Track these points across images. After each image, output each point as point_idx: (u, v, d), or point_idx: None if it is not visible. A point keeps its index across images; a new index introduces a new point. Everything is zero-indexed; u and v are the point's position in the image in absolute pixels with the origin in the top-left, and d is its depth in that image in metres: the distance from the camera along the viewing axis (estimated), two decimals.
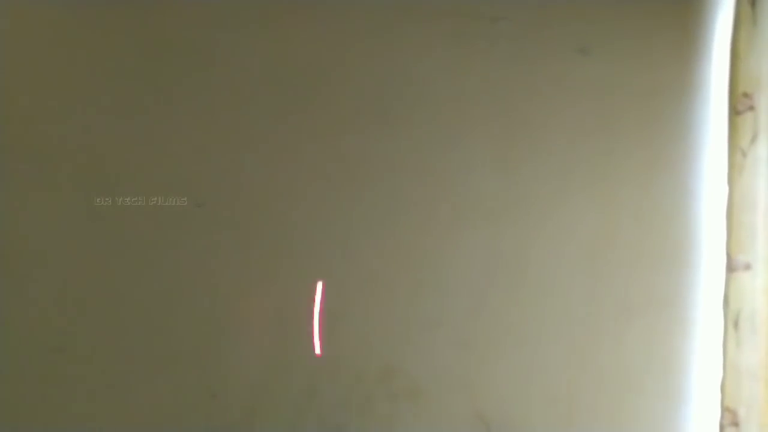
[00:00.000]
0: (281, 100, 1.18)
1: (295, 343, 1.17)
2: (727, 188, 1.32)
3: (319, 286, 1.13)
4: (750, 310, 1.26)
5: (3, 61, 1.05)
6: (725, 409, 1.30)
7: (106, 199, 1.10)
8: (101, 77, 1.09)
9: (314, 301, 1.13)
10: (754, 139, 1.28)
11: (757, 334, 1.25)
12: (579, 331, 1.29)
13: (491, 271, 1.26)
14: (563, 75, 1.29)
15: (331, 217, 1.20)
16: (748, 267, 1.27)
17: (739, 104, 1.31)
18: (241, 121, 1.16)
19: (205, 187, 1.15)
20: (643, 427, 1.31)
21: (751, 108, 1.29)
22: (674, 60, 1.34)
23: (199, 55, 1.14)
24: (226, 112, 1.15)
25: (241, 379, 1.16)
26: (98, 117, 1.10)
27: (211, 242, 1.15)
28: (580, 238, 1.29)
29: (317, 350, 1.14)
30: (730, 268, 1.30)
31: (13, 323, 1.08)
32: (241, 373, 1.16)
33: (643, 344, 1.31)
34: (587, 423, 1.23)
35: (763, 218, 1.27)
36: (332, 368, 1.19)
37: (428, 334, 1.23)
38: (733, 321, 1.29)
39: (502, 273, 1.26)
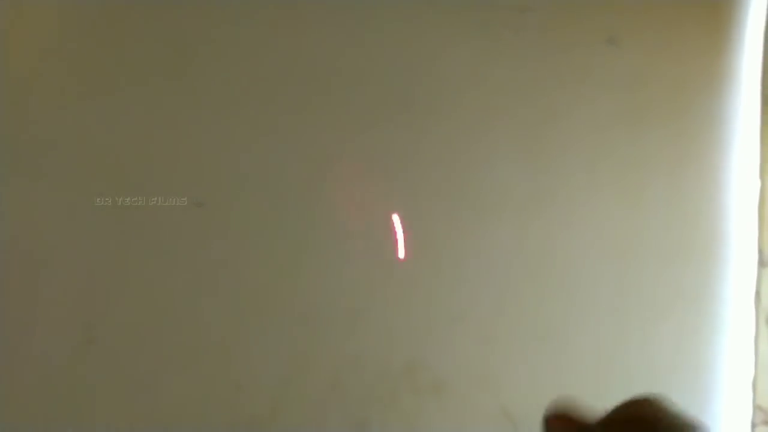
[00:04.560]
0: (296, 95, 1.17)
1: (319, 338, 1.17)
2: (759, 182, 1.29)
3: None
4: None
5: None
6: (757, 407, 1.28)
7: (128, 196, 1.10)
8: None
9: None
10: None
11: None
12: (606, 327, 1.27)
13: (516, 265, 1.24)
14: (591, 66, 1.27)
15: (353, 209, 1.19)
16: None
17: None
18: (258, 116, 1.16)
19: (230, 183, 1.15)
20: None
21: None
22: (705, 50, 1.32)
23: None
24: (236, 108, 1.15)
25: (265, 372, 1.16)
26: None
27: (238, 235, 1.15)
28: (607, 232, 1.27)
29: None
30: (762, 263, 1.28)
31: (41, 316, 1.09)
32: (265, 366, 1.16)
33: (672, 341, 1.29)
34: None
35: None
36: (356, 363, 1.19)
37: (453, 329, 1.22)
38: (765, 317, 1.27)
39: (528, 267, 1.25)
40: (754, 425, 1.28)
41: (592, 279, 1.27)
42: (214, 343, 1.14)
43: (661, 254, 1.29)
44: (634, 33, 1.28)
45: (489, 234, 1.23)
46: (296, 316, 1.16)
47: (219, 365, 1.14)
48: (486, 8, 1.23)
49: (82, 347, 1.09)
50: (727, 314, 1.30)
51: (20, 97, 1.06)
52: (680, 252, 1.30)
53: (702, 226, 1.31)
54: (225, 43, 1.15)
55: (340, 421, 1.19)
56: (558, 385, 1.23)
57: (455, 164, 1.22)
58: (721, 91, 1.32)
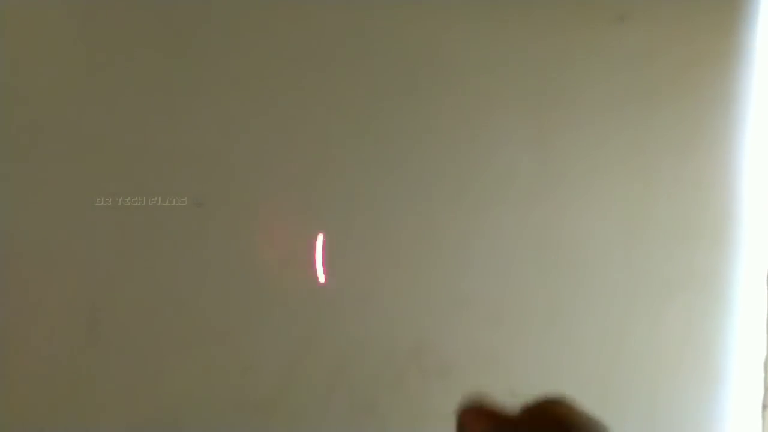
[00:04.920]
0: (298, 91, 1.15)
1: (325, 321, 1.17)
2: None
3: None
4: None
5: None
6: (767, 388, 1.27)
7: (132, 186, 1.09)
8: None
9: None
10: None
11: None
12: (615, 309, 1.26)
13: (524, 246, 1.23)
14: (600, 44, 1.25)
15: (360, 194, 1.18)
16: None
17: None
18: (259, 108, 1.15)
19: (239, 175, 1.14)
20: (681, 407, 1.29)
21: None
22: (717, 27, 1.29)
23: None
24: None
25: (271, 355, 1.16)
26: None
27: (246, 218, 1.14)
28: (616, 213, 1.26)
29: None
30: None
31: (44, 300, 1.09)
32: (271, 349, 1.16)
33: (683, 322, 1.28)
34: (623, 403, 1.21)
35: None
36: (363, 345, 1.19)
37: (460, 311, 1.21)
38: None
39: (536, 249, 1.23)
40: (765, 406, 1.27)
41: (601, 261, 1.26)
42: (220, 327, 1.14)
43: (671, 235, 1.27)
44: (645, 10, 1.25)
45: (495, 216, 1.22)
46: (302, 299, 1.16)
47: (225, 348, 1.14)
48: None
49: (86, 331, 1.09)
50: (738, 296, 1.29)
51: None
52: (690, 233, 1.28)
53: (713, 206, 1.29)
54: (225, 39, 1.13)
55: (347, 404, 1.19)
56: (566, 368, 1.23)
57: (460, 145, 1.20)
58: (733, 69, 1.29)
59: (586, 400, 0.52)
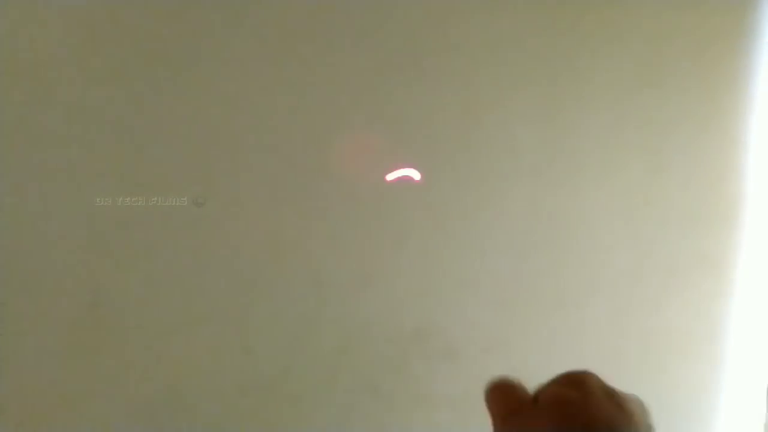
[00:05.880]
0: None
1: (329, 302, 1.16)
2: None
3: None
4: None
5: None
6: None
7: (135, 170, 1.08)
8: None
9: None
10: None
11: None
12: (623, 292, 1.25)
13: (532, 229, 1.22)
14: (611, 21, 1.22)
15: (365, 174, 1.16)
16: None
17: None
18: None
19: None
20: (688, 392, 1.28)
21: None
22: (731, 5, 1.26)
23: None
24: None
25: (276, 336, 1.15)
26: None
27: (250, 197, 1.13)
28: (626, 195, 1.24)
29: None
30: None
31: (45, 279, 1.08)
32: (276, 330, 1.15)
33: (690, 306, 1.26)
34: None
35: None
36: (366, 327, 1.18)
37: (466, 294, 1.20)
38: None
39: (544, 231, 1.22)
40: None
41: (610, 243, 1.24)
42: (224, 308, 1.13)
43: (681, 219, 1.26)
44: None
45: (504, 197, 1.20)
46: (306, 281, 1.15)
47: (229, 329, 1.14)
48: None
49: (88, 311, 1.09)
50: (746, 280, 1.27)
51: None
52: (701, 217, 1.26)
53: (724, 190, 1.27)
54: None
55: (350, 385, 1.18)
56: (573, 350, 1.22)
57: (470, 126, 1.18)
58: (747, 49, 1.27)
59: None
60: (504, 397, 0.44)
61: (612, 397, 0.43)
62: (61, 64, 1.06)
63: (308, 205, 1.15)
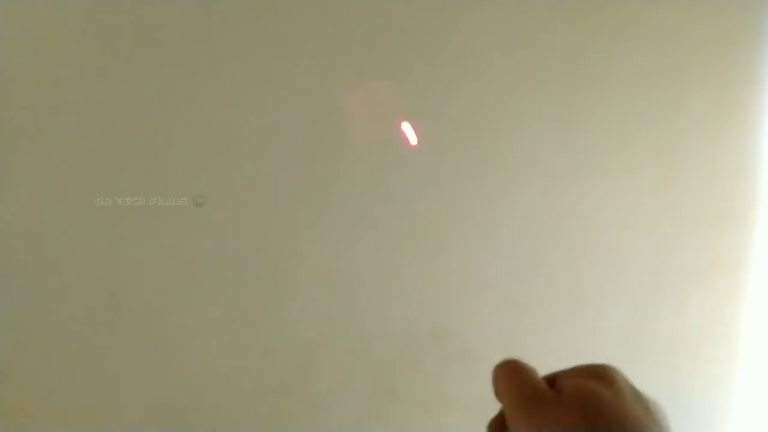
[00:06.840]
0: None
1: (346, 305, 1.16)
2: None
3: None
4: None
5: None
6: None
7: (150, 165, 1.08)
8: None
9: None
10: None
11: None
12: (639, 294, 1.24)
13: (548, 231, 1.21)
14: (627, 22, 1.21)
15: (381, 174, 1.16)
16: None
17: None
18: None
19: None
20: (704, 394, 1.27)
21: None
22: (747, 5, 1.26)
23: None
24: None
25: (291, 338, 1.15)
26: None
27: (267, 199, 1.13)
28: (642, 196, 1.24)
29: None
30: None
31: (68, 283, 1.09)
32: (293, 333, 1.15)
33: (707, 309, 1.26)
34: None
35: None
36: (383, 329, 1.18)
37: (482, 296, 1.20)
38: None
39: (560, 233, 1.22)
40: None
41: (626, 245, 1.24)
42: (242, 310, 1.13)
43: (697, 220, 1.25)
44: None
45: (521, 199, 1.20)
46: (323, 283, 1.15)
47: (246, 331, 1.14)
48: None
49: (107, 314, 1.09)
50: (763, 282, 1.27)
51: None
52: (716, 217, 1.26)
53: (740, 191, 1.26)
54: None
55: (367, 387, 1.18)
56: (589, 352, 1.21)
57: (485, 128, 1.18)
58: (762, 49, 1.26)
59: None
60: (519, 380, 0.41)
61: (639, 398, 0.41)
62: (61, 65, 1.06)
63: (325, 206, 1.15)
